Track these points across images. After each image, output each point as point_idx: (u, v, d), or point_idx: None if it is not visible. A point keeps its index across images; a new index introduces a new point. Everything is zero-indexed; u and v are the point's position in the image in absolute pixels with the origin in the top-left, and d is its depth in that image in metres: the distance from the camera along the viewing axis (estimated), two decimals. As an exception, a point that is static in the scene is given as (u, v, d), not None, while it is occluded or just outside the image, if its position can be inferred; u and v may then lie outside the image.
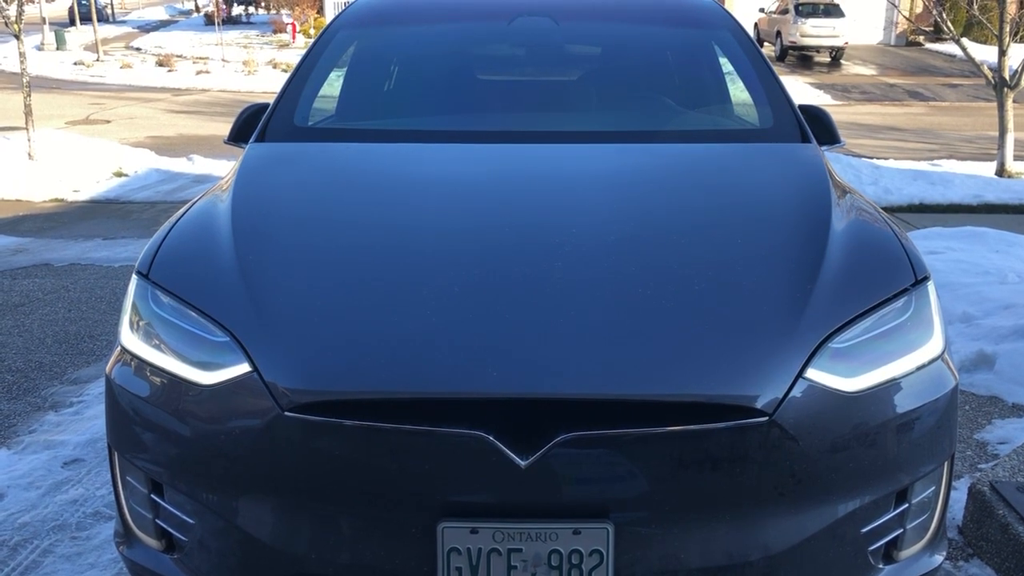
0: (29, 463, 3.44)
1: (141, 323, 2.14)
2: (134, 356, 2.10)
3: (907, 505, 2.01)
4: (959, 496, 2.99)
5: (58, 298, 5.75)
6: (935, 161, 11.86)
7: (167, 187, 10.03)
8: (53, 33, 30.20)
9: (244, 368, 1.92)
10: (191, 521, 1.99)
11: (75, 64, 25.58)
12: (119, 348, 2.16)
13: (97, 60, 26.24)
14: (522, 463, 1.76)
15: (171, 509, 2.02)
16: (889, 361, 1.99)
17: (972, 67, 11.60)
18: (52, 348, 4.79)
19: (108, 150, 11.41)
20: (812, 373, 1.89)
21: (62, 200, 9.46)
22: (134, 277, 2.24)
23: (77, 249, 7.25)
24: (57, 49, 29.40)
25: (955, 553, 2.81)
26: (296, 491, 1.86)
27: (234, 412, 1.90)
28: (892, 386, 1.97)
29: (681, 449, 1.80)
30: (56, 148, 11.05)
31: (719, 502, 1.83)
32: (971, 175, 10.55)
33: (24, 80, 10.85)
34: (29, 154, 10.53)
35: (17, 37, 10.60)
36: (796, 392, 1.86)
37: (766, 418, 1.81)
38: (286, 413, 1.83)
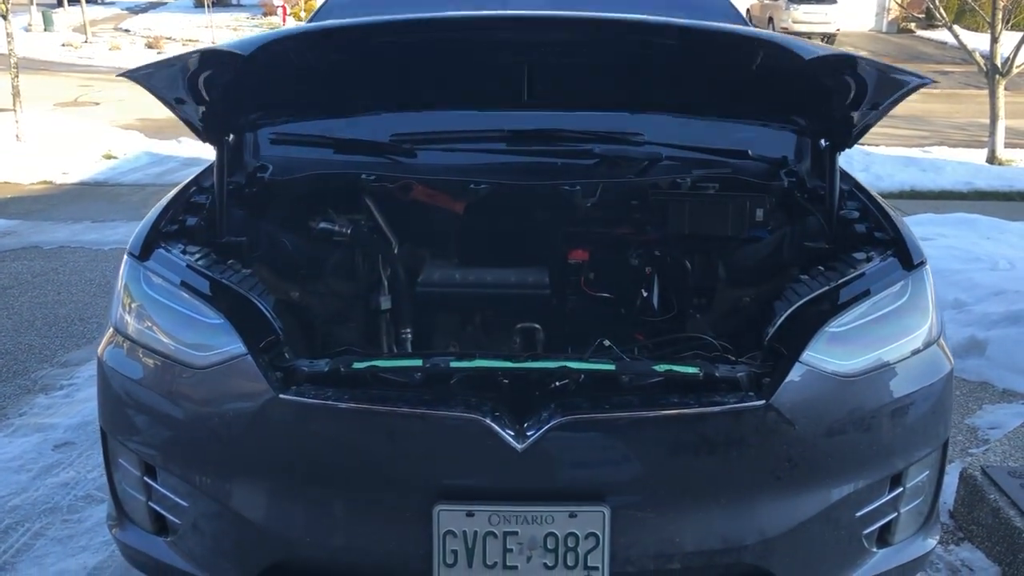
0: (20, 446, 3.42)
1: (133, 305, 2.12)
2: (126, 338, 2.08)
3: (901, 489, 2.02)
4: (950, 480, 3.00)
5: (47, 281, 5.72)
6: (926, 148, 11.86)
7: (157, 169, 9.95)
8: (40, 14, 29.87)
9: (238, 350, 1.90)
10: (184, 504, 1.98)
11: (63, 45, 25.28)
12: (111, 330, 2.14)
13: (85, 42, 25.95)
14: (518, 446, 1.75)
15: (164, 492, 2.01)
16: (885, 345, 1.99)
17: (963, 54, 11.60)
18: (42, 331, 4.76)
19: (97, 132, 11.31)
20: (809, 356, 1.89)
21: (51, 182, 9.38)
22: (126, 258, 2.22)
23: (66, 232, 7.19)
24: (44, 30, 29.09)
25: (946, 537, 2.82)
26: (290, 474, 1.86)
27: (228, 395, 1.89)
28: (888, 370, 1.97)
29: (677, 433, 1.80)
30: (44, 130, 10.95)
31: (715, 486, 1.83)
32: (962, 162, 10.56)
33: (12, 61, 10.74)
34: (17, 136, 10.43)
35: (4, 17, 10.48)
36: (793, 376, 1.86)
37: (763, 402, 1.81)
38: (280, 396, 1.82)
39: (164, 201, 2.49)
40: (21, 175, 9.48)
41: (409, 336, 2.57)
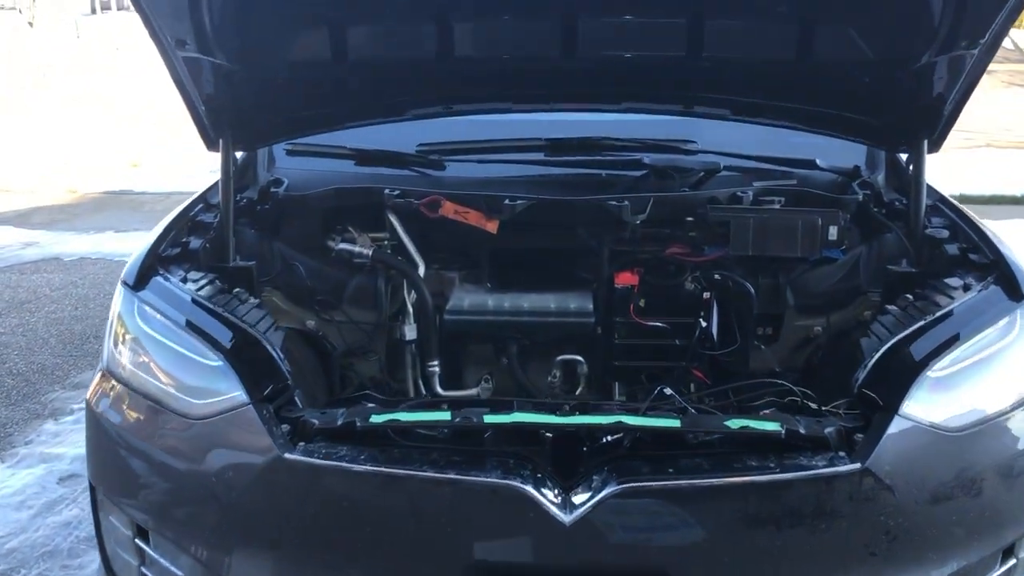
0: (22, 479, 3.21)
1: (126, 342, 1.90)
2: (117, 380, 1.86)
3: (1015, 561, 1.74)
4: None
5: (65, 295, 5.54)
6: (972, 150, 11.43)
7: (183, 177, 9.78)
8: (73, 22, 30.10)
9: (238, 397, 1.66)
10: (180, 573, 1.73)
11: (92, 53, 25.42)
12: (101, 372, 1.90)
13: (116, 49, 26.10)
14: (566, 519, 1.48)
15: (158, 558, 1.77)
16: (992, 392, 1.72)
17: (1005, 53, 11.16)
18: (56, 349, 4.57)
19: (124, 139, 11.24)
20: (909, 407, 1.62)
21: (75, 191, 9.28)
22: (119, 287, 1.98)
23: (88, 242, 7.04)
24: (76, 38, 29.31)
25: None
26: (299, 545, 1.61)
27: (226, 451, 1.66)
28: (997, 422, 1.69)
29: (756, 503, 1.52)
30: (71, 137, 10.90)
31: (800, 565, 1.56)
32: (1013, 165, 10.15)
33: (41, 66, 10.68)
34: (41, 142, 10.37)
35: (31, 24, 10.43)
36: (892, 432, 1.57)
37: (858, 465, 1.53)
38: (286, 456, 1.56)
39: (166, 220, 2.27)
40: (46, 183, 9.39)
41: (436, 370, 2.31)
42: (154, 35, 1.93)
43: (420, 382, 2.35)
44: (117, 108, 15.37)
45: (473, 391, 2.33)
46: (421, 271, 2.36)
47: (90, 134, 11.41)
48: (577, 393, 2.30)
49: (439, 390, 2.31)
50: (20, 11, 10.42)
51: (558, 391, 2.31)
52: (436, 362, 2.31)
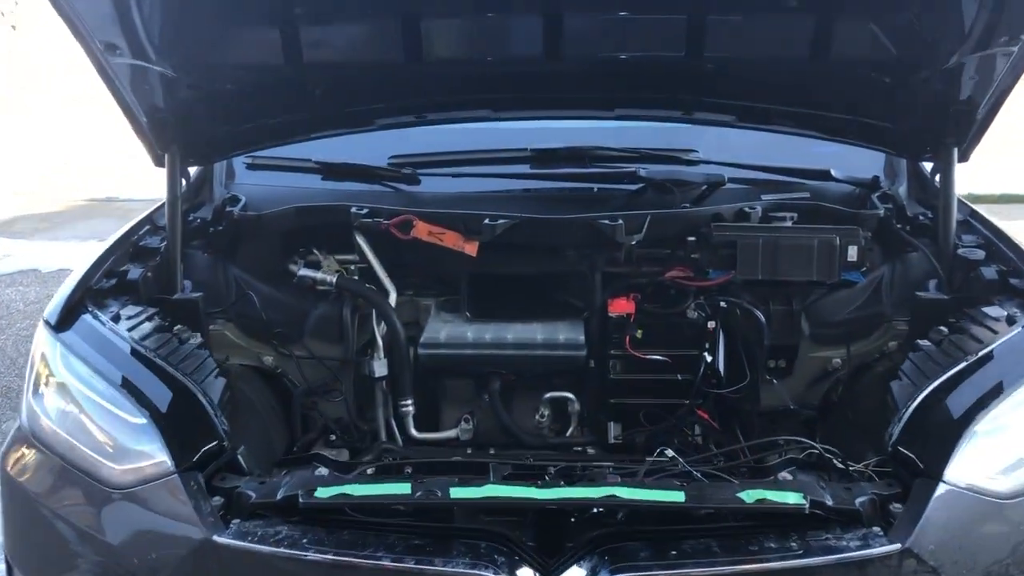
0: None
1: (50, 387, 1.68)
2: (34, 438, 1.62)
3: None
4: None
5: (39, 310, 5.24)
6: (980, 145, 11.20)
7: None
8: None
9: (163, 464, 1.43)
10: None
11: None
12: (17, 426, 1.67)
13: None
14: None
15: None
16: None
17: None
18: (22, 371, 4.28)
19: (117, 141, 11.03)
20: (955, 472, 1.38)
21: (65, 198, 9.09)
22: (41, 328, 1.74)
23: (69, 252, 6.81)
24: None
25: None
26: None
27: (149, 528, 1.43)
28: None
29: None
30: (62, 138, 10.74)
31: None
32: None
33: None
34: (30, 145, 10.19)
35: (14, 28, 10.27)
36: (936, 501, 1.34)
37: (897, 546, 1.29)
38: (215, 539, 1.32)
39: (105, 245, 2.04)
40: (34, 188, 9.21)
41: (410, 409, 2.08)
42: (80, 38, 1.70)
43: (392, 423, 2.12)
44: (116, 108, 15.16)
45: (451, 433, 2.11)
46: (392, 299, 2.14)
47: (89, 136, 11.23)
48: (568, 434, 2.11)
49: (413, 432, 2.10)
50: (3, 14, 10.22)
51: (546, 432, 2.10)
52: (409, 401, 2.09)
